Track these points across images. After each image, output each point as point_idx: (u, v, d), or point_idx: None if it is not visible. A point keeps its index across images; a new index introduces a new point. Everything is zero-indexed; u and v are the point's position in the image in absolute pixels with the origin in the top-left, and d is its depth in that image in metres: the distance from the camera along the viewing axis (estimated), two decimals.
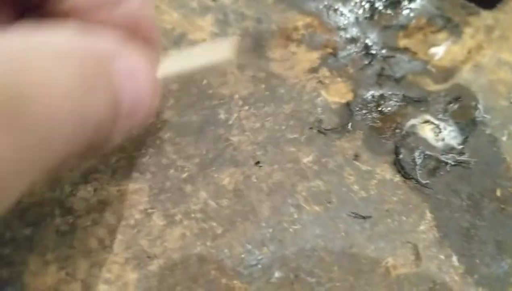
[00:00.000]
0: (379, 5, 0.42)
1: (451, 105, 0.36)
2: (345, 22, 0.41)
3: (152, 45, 0.20)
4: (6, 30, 0.12)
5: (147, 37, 0.19)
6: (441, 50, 0.39)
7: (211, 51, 0.22)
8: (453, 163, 0.33)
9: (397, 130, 0.35)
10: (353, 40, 0.39)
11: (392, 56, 0.38)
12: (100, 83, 0.14)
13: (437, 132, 0.35)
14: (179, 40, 0.38)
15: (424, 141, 0.34)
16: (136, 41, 0.18)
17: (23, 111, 0.11)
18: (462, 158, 0.34)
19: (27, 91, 0.11)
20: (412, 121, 0.35)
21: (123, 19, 0.18)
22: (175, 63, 0.21)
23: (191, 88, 0.36)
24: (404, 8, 0.42)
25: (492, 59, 0.39)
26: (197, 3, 0.40)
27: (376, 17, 0.41)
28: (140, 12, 0.18)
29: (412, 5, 0.42)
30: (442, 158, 0.34)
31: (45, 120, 0.11)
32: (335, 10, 0.41)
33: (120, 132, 0.15)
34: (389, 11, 0.42)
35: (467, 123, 0.35)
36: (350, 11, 0.41)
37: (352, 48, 0.39)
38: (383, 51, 0.39)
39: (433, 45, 0.40)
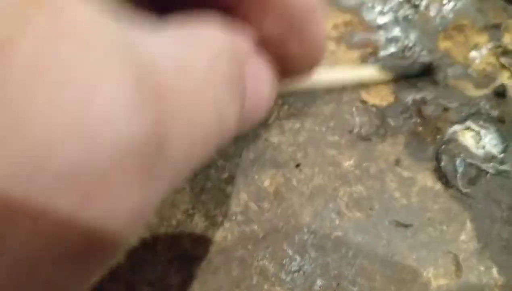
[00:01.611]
0: (419, 3, 0.39)
1: (492, 111, 0.34)
2: (386, 21, 0.38)
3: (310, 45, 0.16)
4: (159, 29, 0.11)
5: (307, 35, 0.15)
6: (481, 54, 0.37)
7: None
8: (493, 172, 0.32)
9: (438, 136, 0.33)
10: (393, 40, 0.37)
11: (432, 59, 0.36)
12: (238, 90, 0.12)
13: (477, 140, 0.33)
14: None
15: (465, 149, 0.33)
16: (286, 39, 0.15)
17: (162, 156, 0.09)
18: (503, 167, 0.32)
19: (169, 132, 0.09)
20: (454, 128, 0.33)
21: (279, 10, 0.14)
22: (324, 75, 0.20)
23: None
24: (445, 8, 0.39)
25: None
26: None
27: (416, 16, 0.39)
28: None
29: (454, 5, 0.40)
30: (483, 166, 0.32)
31: (185, 158, 0.10)
32: (375, 8, 0.39)
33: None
34: (429, 11, 0.39)
35: (509, 130, 0.34)
36: (391, 9, 0.39)
37: (392, 49, 0.37)
38: (424, 52, 0.37)
39: (474, 48, 0.37)
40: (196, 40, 0.11)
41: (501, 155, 0.33)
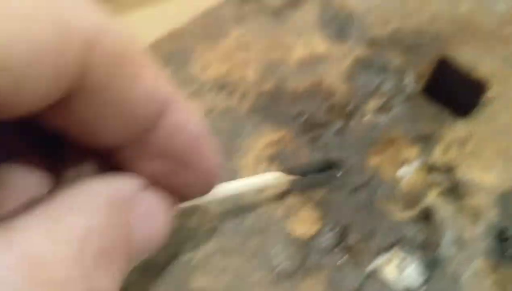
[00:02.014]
0: (351, 115, 0.40)
1: (418, 236, 0.35)
2: (319, 136, 0.39)
3: (204, 175, 0.16)
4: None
5: (200, 164, 0.16)
6: (410, 171, 0.38)
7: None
8: None
9: (360, 269, 0.34)
10: (325, 160, 0.38)
11: (361, 182, 0.37)
12: (115, 258, 0.13)
13: (400, 270, 0.33)
14: None
15: (387, 281, 0.33)
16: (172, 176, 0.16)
17: None
18: None
19: None
20: (376, 260, 0.34)
21: (166, 143, 0.15)
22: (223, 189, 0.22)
23: None
24: (377, 119, 0.40)
25: (462, 181, 0.37)
26: None
27: (347, 128, 0.39)
28: (188, 132, 0.15)
29: (386, 116, 0.40)
30: None
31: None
32: (311, 128, 0.39)
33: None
34: (362, 123, 0.40)
35: (431, 258, 0.34)
36: (323, 124, 0.39)
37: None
38: (352, 171, 0.37)
39: (403, 163, 0.38)
40: (63, 226, 0.12)
41: (423, 288, 0.33)
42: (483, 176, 0.38)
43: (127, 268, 0.14)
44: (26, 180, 0.14)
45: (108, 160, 0.15)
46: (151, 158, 0.15)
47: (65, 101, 0.12)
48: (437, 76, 0.44)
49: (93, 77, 0.11)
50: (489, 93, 0.42)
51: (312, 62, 0.42)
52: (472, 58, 0.44)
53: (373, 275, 0.34)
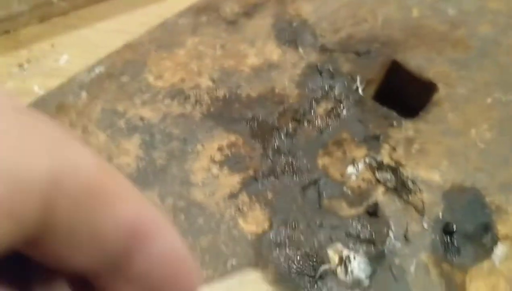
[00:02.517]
0: (301, 119, 0.41)
1: (362, 232, 0.36)
2: (271, 140, 0.40)
3: None
4: None
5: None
6: (357, 170, 0.39)
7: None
8: None
9: (309, 262, 0.34)
10: (275, 161, 0.39)
11: (310, 181, 0.38)
12: None
13: (347, 264, 0.34)
14: None
15: (334, 277, 0.34)
16: None
17: None
18: None
19: None
20: (324, 252, 0.35)
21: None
22: None
23: None
24: (326, 122, 0.41)
25: (408, 179, 0.39)
26: (124, 123, 0.40)
27: (299, 132, 0.41)
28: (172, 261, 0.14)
29: (336, 118, 0.42)
30: None
31: None
32: (259, 129, 0.41)
33: None
34: (312, 126, 0.41)
35: (377, 252, 0.35)
36: (276, 128, 0.41)
37: (275, 170, 0.39)
38: (302, 172, 0.38)
39: (351, 163, 0.39)
40: None
41: (368, 280, 0.34)
42: (429, 174, 0.39)
43: None
44: None
45: (83, 283, 0.14)
46: (129, 283, 0.14)
47: (29, 240, 0.11)
48: (387, 80, 0.45)
49: (57, 215, 0.11)
50: (437, 95, 0.44)
51: (265, 69, 0.44)
52: (422, 61, 0.45)
53: (323, 270, 0.34)
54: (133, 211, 0.13)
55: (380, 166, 0.39)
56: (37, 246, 0.12)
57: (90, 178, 0.12)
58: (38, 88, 0.44)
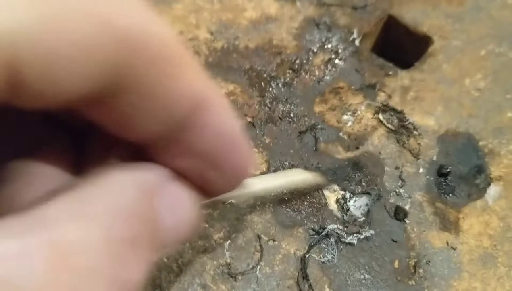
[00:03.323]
0: (299, 68, 0.42)
1: (358, 174, 0.36)
2: (268, 89, 0.41)
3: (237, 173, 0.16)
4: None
5: (234, 164, 0.15)
6: (353, 117, 0.39)
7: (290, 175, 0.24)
8: (356, 242, 0.34)
9: (305, 203, 0.35)
10: (273, 108, 0.39)
11: (307, 126, 0.38)
12: (141, 246, 0.13)
13: (342, 203, 0.35)
14: None
15: (330, 213, 0.35)
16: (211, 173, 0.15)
17: None
18: (365, 234, 0.34)
19: None
20: (320, 192, 0.35)
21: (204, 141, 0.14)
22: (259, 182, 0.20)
23: None
24: (324, 71, 0.42)
25: (404, 124, 0.39)
26: None
27: (296, 81, 0.41)
28: (225, 131, 0.14)
29: (333, 68, 0.42)
30: (348, 239, 0.34)
31: None
32: (259, 81, 0.41)
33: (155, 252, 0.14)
34: (309, 75, 0.42)
35: (373, 192, 0.36)
36: (273, 77, 0.41)
37: (272, 116, 0.39)
38: (299, 118, 0.39)
39: (347, 110, 0.40)
40: (89, 212, 0.11)
41: (363, 218, 0.35)
42: (424, 120, 0.40)
43: (153, 258, 0.13)
44: (51, 170, 0.14)
45: (138, 153, 0.14)
46: (183, 154, 0.14)
47: (101, 96, 0.11)
48: (384, 34, 0.46)
49: (131, 75, 0.11)
50: (432, 47, 0.44)
51: (263, 22, 0.44)
52: (418, 15, 0.46)
53: (318, 204, 0.35)
54: (199, 84, 0.13)
55: (376, 112, 0.40)
56: (108, 105, 0.12)
57: (165, 43, 0.12)
58: None
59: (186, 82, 0.13)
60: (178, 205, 0.15)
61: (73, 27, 0.10)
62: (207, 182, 0.15)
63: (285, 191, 0.27)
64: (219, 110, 0.14)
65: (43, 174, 0.14)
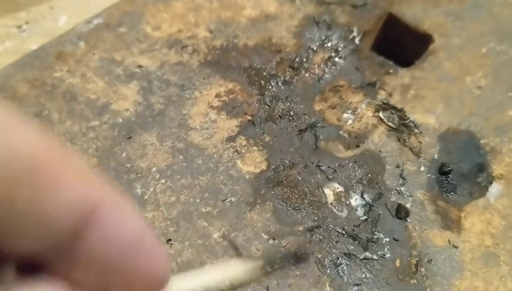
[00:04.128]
0: (299, 67, 0.41)
1: (359, 172, 0.36)
2: (268, 87, 0.40)
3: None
4: None
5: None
6: (353, 115, 0.39)
7: (226, 272, 0.19)
8: (358, 241, 0.33)
9: (305, 201, 0.35)
10: (272, 106, 0.39)
11: (307, 125, 0.38)
12: None
13: (342, 202, 0.35)
14: (102, 111, 0.38)
15: (331, 212, 0.34)
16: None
17: None
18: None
19: None
20: (321, 190, 0.35)
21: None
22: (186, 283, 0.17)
23: (109, 162, 0.35)
24: (324, 69, 0.41)
25: (405, 122, 0.39)
26: (122, 70, 0.40)
27: (296, 79, 0.41)
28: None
29: (333, 66, 0.42)
30: (349, 239, 0.33)
31: None
32: (258, 80, 0.41)
33: None
34: (309, 74, 0.41)
35: (373, 190, 0.35)
36: (273, 75, 0.41)
37: (272, 115, 0.39)
38: (299, 116, 0.39)
39: (347, 108, 0.39)
40: None
41: (365, 217, 0.34)
42: (425, 118, 0.40)
43: None
44: None
45: (33, 264, 0.13)
46: (82, 265, 0.12)
47: None
48: (384, 32, 0.46)
49: (4, 198, 0.10)
50: (433, 45, 0.44)
51: (262, 20, 0.44)
52: (418, 13, 0.45)
53: (318, 203, 0.35)
54: (82, 190, 0.12)
55: (377, 110, 0.39)
56: None
57: (32, 158, 0.11)
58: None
59: (65, 191, 0.11)
60: None
61: None
62: None
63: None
64: (115, 213, 0.12)
65: None
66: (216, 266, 0.22)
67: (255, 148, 0.37)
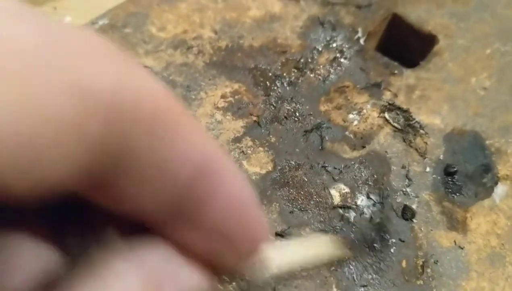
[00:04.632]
0: (304, 67, 0.41)
1: (364, 173, 0.36)
2: (273, 88, 0.40)
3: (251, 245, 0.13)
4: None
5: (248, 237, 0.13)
6: (359, 116, 0.39)
7: (313, 247, 0.20)
8: (363, 239, 0.33)
9: (312, 202, 0.35)
10: (278, 107, 0.39)
11: (312, 125, 0.38)
12: None
13: (349, 203, 0.34)
14: None
15: (337, 213, 0.34)
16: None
17: None
18: (371, 233, 0.34)
19: None
20: (327, 191, 0.35)
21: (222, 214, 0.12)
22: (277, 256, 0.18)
23: None
24: (329, 70, 0.41)
25: (410, 123, 0.39)
26: None
27: (301, 80, 0.41)
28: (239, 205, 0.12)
29: (338, 67, 0.42)
30: (355, 237, 0.33)
31: None
32: (263, 80, 0.41)
33: None
34: (314, 74, 0.41)
35: (379, 191, 0.35)
36: (278, 76, 0.41)
37: (277, 115, 0.39)
38: (304, 117, 0.39)
39: (353, 109, 0.39)
40: None
41: (372, 216, 0.34)
42: (430, 119, 0.39)
43: None
44: (35, 250, 0.12)
45: (133, 226, 0.12)
46: (188, 227, 0.12)
47: (92, 176, 0.10)
48: (389, 33, 0.45)
49: (125, 147, 0.10)
50: (438, 46, 0.44)
51: (267, 21, 0.44)
52: (423, 14, 0.45)
53: (325, 204, 0.35)
54: (202, 146, 0.11)
55: (382, 110, 0.39)
56: (104, 186, 0.10)
57: (158, 103, 0.10)
58: None
59: (187, 145, 0.11)
60: (186, 283, 0.12)
61: (47, 107, 0.08)
62: (216, 255, 0.13)
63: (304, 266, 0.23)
64: (227, 176, 0.12)
65: (25, 256, 0.12)
66: (314, 240, 0.22)
67: (261, 148, 0.37)
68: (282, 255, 0.19)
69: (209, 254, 0.13)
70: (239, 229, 0.12)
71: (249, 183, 0.12)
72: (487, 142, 0.38)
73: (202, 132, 0.11)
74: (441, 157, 0.37)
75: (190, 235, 0.12)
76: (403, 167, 0.36)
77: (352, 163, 0.36)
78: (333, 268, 0.32)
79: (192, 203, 0.11)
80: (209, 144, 0.11)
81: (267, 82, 0.40)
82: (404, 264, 0.32)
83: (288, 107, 0.39)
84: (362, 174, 0.36)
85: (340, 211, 0.34)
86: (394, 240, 0.33)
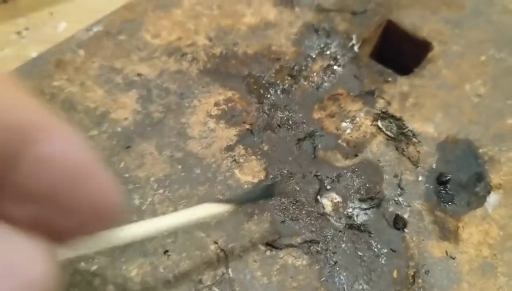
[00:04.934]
0: (297, 75, 0.41)
1: (357, 181, 0.36)
2: (267, 95, 0.40)
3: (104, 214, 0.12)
4: None
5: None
6: (352, 124, 0.39)
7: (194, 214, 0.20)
8: (355, 251, 0.33)
9: (303, 211, 0.34)
10: (271, 115, 0.39)
11: (305, 134, 0.38)
12: None
13: (340, 212, 0.34)
14: (101, 120, 0.37)
15: (329, 222, 0.34)
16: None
17: None
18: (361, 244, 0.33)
19: None
20: (319, 200, 0.35)
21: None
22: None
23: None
24: (323, 78, 0.41)
25: (403, 131, 0.38)
26: (121, 78, 0.40)
27: (295, 87, 0.40)
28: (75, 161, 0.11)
29: (331, 75, 0.41)
30: (346, 248, 0.33)
31: None
32: (257, 87, 0.40)
33: None
34: (308, 82, 0.41)
35: (372, 201, 0.35)
36: (272, 84, 0.41)
37: (271, 123, 0.38)
38: (298, 125, 0.38)
39: (346, 117, 0.39)
40: None
41: (363, 226, 0.34)
42: (424, 127, 0.39)
43: None
44: None
45: None
46: (19, 200, 0.11)
47: None
48: (383, 39, 0.45)
49: None
50: (432, 53, 0.43)
51: (262, 28, 0.44)
52: (417, 20, 0.45)
53: (315, 213, 0.34)
54: (21, 108, 0.10)
55: (376, 118, 0.39)
56: None
57: None
58: (36, 55, 0.44)
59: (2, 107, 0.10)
60: (22, 258, 0.11)
61: None
62: (62, 226, 0.12)
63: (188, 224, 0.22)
64: (56, 138, 0.11)
65: None
66: (187, 211, 0.22)
67: (253, 157, 0.36)
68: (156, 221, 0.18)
69: (51, 224, 0.11)
70: (78, 196, 0.11)
71: (88, 145, 0.11)
72: (481, 150, 0.38)
73: (23, 96, 0.11)
74: (434, 165, 0.37)
75: (26, 208, 0.11)
76: (396, 176, 0.36)
77: (345, 171, 0.36)
78: (324, 278, 0.31)
79: (16, 171, 0.10)
80: (32, 107, 0.11)
81: (261, 90, 0.40)
82: (395, 274, 0.32)
83: (281, 115, 0.39)
84: (355, 182, 0.36)
85: (332, 220, 0.34)
86: (385, 250, 0.33)
